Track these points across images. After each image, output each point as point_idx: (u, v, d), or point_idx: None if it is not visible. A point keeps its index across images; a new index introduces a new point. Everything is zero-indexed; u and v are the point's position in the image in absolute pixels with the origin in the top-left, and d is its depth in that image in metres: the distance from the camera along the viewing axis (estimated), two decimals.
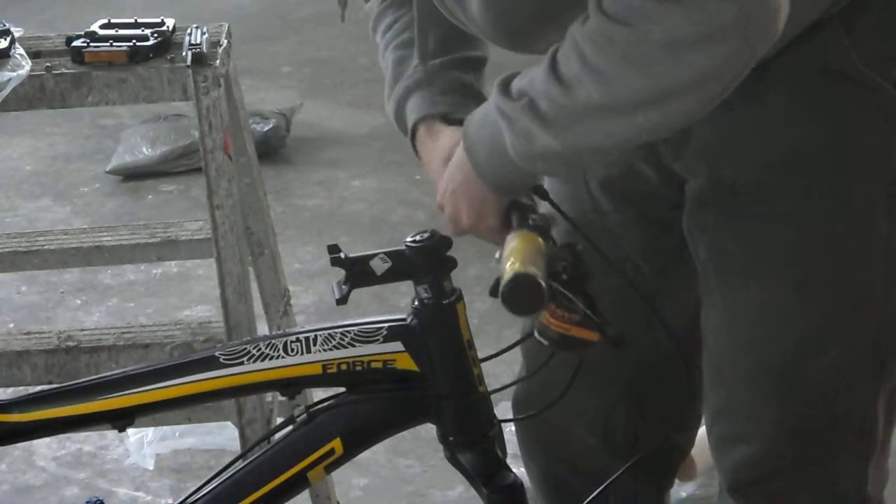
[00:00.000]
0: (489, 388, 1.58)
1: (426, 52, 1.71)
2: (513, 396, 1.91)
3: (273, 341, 1.56)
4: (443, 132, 1.67)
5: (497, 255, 1.51)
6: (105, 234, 2.65)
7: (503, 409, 1.83)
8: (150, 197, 4.54)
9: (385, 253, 1.54)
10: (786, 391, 1.69)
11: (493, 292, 1.48)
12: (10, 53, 2.06)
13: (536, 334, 1.46)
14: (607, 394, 1.86)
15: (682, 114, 1.44)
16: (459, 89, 1.71)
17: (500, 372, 1.79)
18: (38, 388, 1.94)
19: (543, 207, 1.60)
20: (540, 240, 1.46)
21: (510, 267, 1.42)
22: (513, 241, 1.47)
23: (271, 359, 1.55)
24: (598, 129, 1.44)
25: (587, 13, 1.43)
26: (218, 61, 2.24)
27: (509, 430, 2.94)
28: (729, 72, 1.40)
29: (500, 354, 1.63)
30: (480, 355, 1.58)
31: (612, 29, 1.39)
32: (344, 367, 1.54)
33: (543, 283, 1.41)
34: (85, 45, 2.26)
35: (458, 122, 1.64)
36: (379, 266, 1.53)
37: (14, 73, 2.04)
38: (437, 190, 1.64)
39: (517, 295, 1.41)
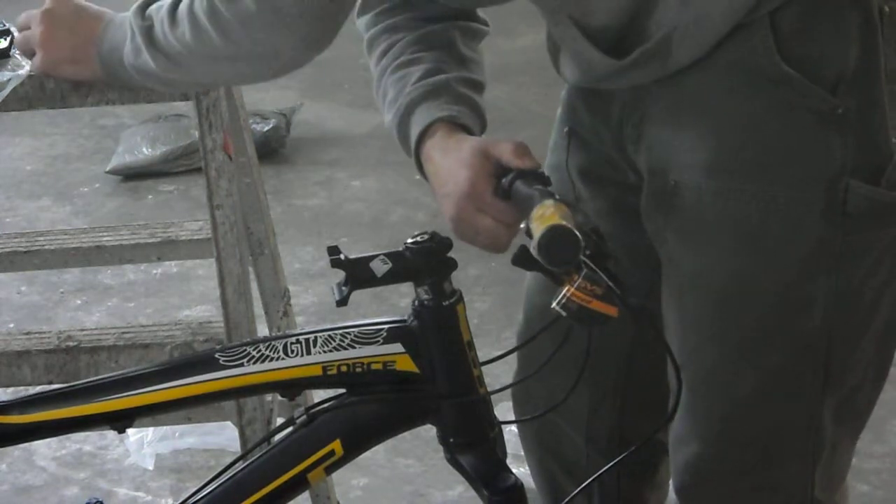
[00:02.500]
0: (489, 390, 1.58)
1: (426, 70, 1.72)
2: (513, 395, 1.91)
3: (273, 343, 1.56)
4: (465, 140, 1.64)
5: (523, 226, 1.50)
6: (105, 234, 2.65)
7: (503, 410, 1.83)
8: (150, 197, 4.55)
9: (385, 254, 1.53)
10: (724, 397, 1.69)
11: (517, 260, 1.49)
12: (10, 53, 2.05)
13: (555, 305, 1.45)
14: (592, 392, 1.86)
15: (248, 76, 1.75)
16: (465, 102, 1.69)
17: (501, 373, 1.79)
18: (38, 388, 1.94)
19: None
20: (567, 210, 1.47)
21: (548, 220, 1.43)
22: (543, 208, 1.46)
23: (271, 360, 1.55)
24: (185, 66, 1.74)
25: None
26: None
27: (509, 431, 2.94)
28: (283, 55, 1.66)
29: (502, 357, 1.63)
30: (481, 356, 1.58)
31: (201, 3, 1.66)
32: (344, 368, 1.54)
33: (580, 236, 1.41)
34: None
35: (468, 130, 1.65)
36: (379, 267, 1.53)
37: (14, 73, 2.04)
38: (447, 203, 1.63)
39: (554, 245, 1.41)
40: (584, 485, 1.71)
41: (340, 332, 1.55)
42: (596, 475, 1.64)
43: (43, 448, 3.14)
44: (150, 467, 3.06)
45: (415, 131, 1.68)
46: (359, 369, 1.54)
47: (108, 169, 4.66)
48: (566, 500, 1.70)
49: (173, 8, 1.72)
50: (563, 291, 1.45)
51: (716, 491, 1.75)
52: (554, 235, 1.41)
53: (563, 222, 1.42)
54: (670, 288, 1.71)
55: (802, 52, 1.58)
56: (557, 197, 1.50)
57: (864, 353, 1.69)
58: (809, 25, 1.58)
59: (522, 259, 1.49)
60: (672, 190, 1.64)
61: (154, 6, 1.76)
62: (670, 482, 2.18)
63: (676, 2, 1.58)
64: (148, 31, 1.75)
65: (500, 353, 1.63)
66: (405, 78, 1.72)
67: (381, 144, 4.74)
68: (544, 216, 1.44)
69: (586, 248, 1.43)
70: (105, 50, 1.83)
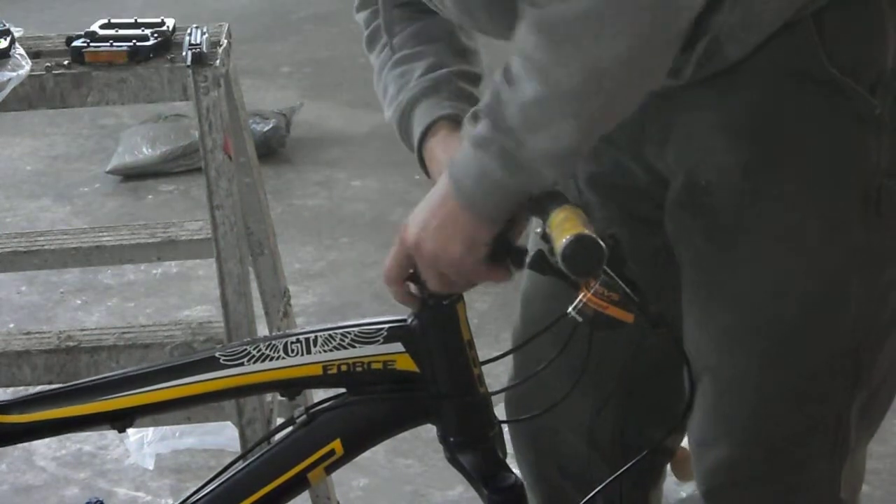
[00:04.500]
0: (489, 390, 1.58)
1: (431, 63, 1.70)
2: (505, 397, 1.89)
3: (273, 342, 1.56)
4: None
5: (538, 229, 1.49)
6: (105, 234, 2.65)
7: (503, 409, 1.83)
8: (150, 197, 4.55)
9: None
10: (756, 398, 1.67)
11: (532, 265, 1.48)
12: (10, 53, 2.06)
13: (571, 311, 1.45)
14: (595, 396, 1.85)
15: (624, 95, 1.45)
16: (466, 97, 1.69)
17: (501, 373, 1.79)
18: (38, 388, 1.94)
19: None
20: (584, 215, 1.46)
21: (570, 228, 1.41)
22: (562, 213, 1.45)
23: (271, 359, 1.54)
24: (555, 129, 1.43)
25: None
26: (218, 61, 2.24)
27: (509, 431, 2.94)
28: (657, 40, 1.41)
29: (502, 357, 1.63)
30: (481, 356, 1.57)
31: (536, 14, 1.40)
32: (344, 367, 1.54)
33: (604, 246, 1.41)
34: (85, 45, 2.26)
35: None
36: None
37: (14, 73, 2.05)
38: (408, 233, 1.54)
39: (579, 254, 1.40)
40: (591, 494, 1.69)
41: (340, 331, 1.55)
42: (607, 481, 1.64)
43: (43, 448, 3.14)
44: (150, 467, 3.06)
45: (418, 129, 1.67)
46: (359, 369, 1.54)
47: (108, 169, 4.66)
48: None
49: (505, 75, 1.44)
50: (580, 297, 1.44)
51: (745, 494, 1.73)
52: (579, 245, 1.40)
53: (587, 231, 1.41)
54: (695, 289, 1.69)
55: (847, 53, 1.56)
56: (570, 201, 1.48)
57: (889, 352, 1.68)
58: (853, 26, 1.57)
59: (538, 263, 1.48)
60: (703, 190, 1.62)
61: (481, 104, 1.50)
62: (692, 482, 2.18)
63: (728, 4, 1.54)
64: (497, 125, 1.45)
65: (499, 353, 1.63)
66: (406, 73, 1.71)
67: (381, 144, 4.74)
68: (565, 223, 1.43)
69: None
70: (475, 197, 1.49)
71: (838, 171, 1.59)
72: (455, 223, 1.50)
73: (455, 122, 1.66)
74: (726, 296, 1.65)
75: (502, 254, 1.52)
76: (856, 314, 1.63)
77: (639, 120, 1.61)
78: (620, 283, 1.43)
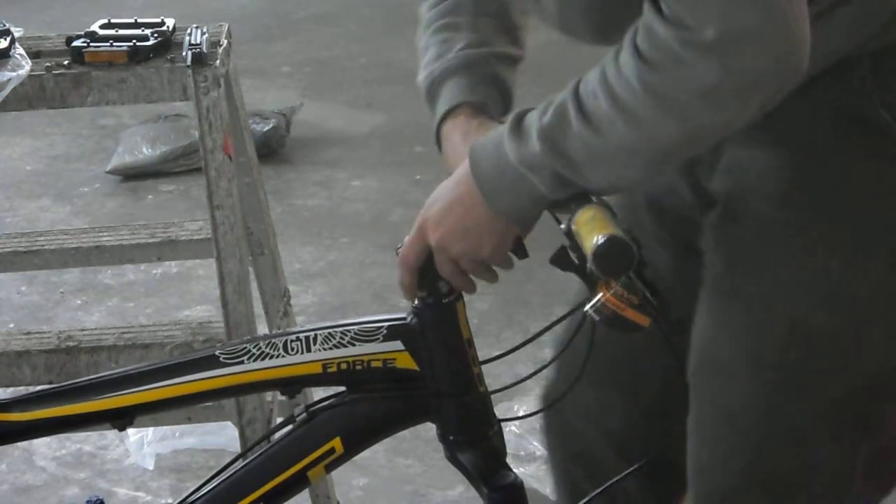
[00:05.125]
0: (490, 389, 1.58)
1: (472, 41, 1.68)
2: (541, 392, 1.88)
3: (273, 340, 1.56)
4: (487, 125, 1.61)
5: (563, 225, 1.49)
6: (105, 234, 2.65)
7: (503, 408, 1.83)
8: (150, 197, 4.55)
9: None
10: (759, 432, 1.64)
11: (555, 261, 1.48)
12: (10, 53, 2.06)
13: (589, 310, 1.45)
14: (630, 409, 1.82)
15: (706, 145, 1.49)
16: (496, 83, 1.67)
17: (501, 372, 1.79)
18: (38, 388, 1.94)
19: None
20: (612, 214, 1.46)
21: (600, 228, 1.42)
22: (589, 211, 1.45)
23: (271, 358, 1.55)
24: (628, 167, 1.45)
25: (619, 46, 1.41)
26: (218, 61, 2.24)
27: (509, 430, 2.95)
28: (758, 113, 1.43)
29: (502, 357, 1.63)
30: (481, 356, 1.58)
31: (648, 74, 1.38)
32: (344, 366, 1.54)
33: (635, 248, 1.41)
34: (85, 45, 2.26)
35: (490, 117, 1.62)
36: None
37: (14, 73, 2.05)
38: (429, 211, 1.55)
39: (610, 255, 1.40)
40: (602, 488, 1.69)
41: (340, 329, 1.55)
42: (611, 481, 1.65)
43: (43, 448, 3.14)
44: (150, 467, 3.06)
45: (441, 107, 1.66)
46: (359, 367, 1.54)
47: (108, 169, 4.66)
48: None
49: (580, 111, 1.43)
50: (599, 297, 1.44)
51: None
52: (611, 245, 1.40)
53: (619, 232, 1.41)
54: (711, 314, 1.67)
55: None
56: (594, 199, 1.48)
57: None
58: None
59: (561, 260, 1.48)
60: (735, 215, 1.61)
61: (533, 121, 1.47)
62: None
63: None
64: (558, 154, 1.44)
65: (499, 352, 1.63)
66: (448, 42, 1.69)
67: (381, 144, 4.74)
68: (593, 222, 1.43)
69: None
70: (510, 211, 1.51)
71: (873, 216, 1.58)
72: (490, 230, 1.52)
73: (478, 108, 1.64)
74: (740, 324, 1.63)
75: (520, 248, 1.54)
76: (870, 359, 1.61)
77: None
78: (641, 286, 1.43)
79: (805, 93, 1.52)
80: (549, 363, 1.59)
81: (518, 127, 1.48)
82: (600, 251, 1.40)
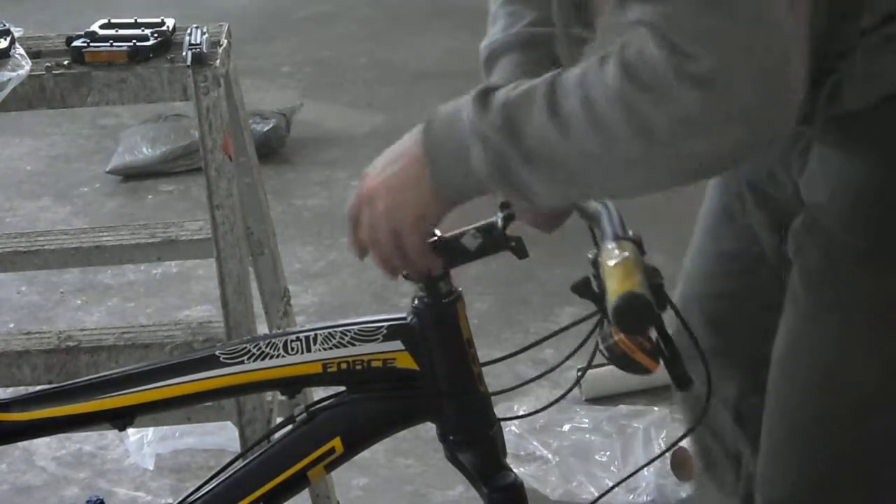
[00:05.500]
0: (489, 389, 1.58)
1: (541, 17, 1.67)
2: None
3: (273, 340, 1.56)
4: None
5: (591, 255, 1.47)
6: (105, 234, 2.65)
7: (503, 408, 1.83)
8: (150, 197, 4.55)
9: (476, 228, 1.53)
10: (822, 454, 1.66)
11: (577, 289, 1.46)
12: (10, 53, 2.06)
13: (600, 343, 1.45)
14: (740, 380, 1.84)
15: (668, 178, 1.41)
16: (552, 64, 1.63)
17: (501, 373, 1.79)
18: (38, 388, 1.94)
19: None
20: (638, 254, 1.45)
21: (624, 280, 1.40)
22: (617, 251, 1.43)
23: (271, 358, 1.55)
24: (573, 175, 1.40)
25: (605, 53, 1.38)
26: (218, 61, 2.24)
27: (509, 430, 2.94)
28: (727, 158, 1.39)
29: (503, 359, 1.63)
30: (481, 356, 1.58)
31: (632, 90, 1.35)
32: (344, 365, 1.54)
33: (655, 307, 1.39)
34: (85, 45, 2.26)
35: None
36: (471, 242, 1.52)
37: (14, 73, 2.05)
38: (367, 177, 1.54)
39: (630, 313, 1.39)
40: (610, 487, 1.71)
41: (340, 329, 1.55)
42: (625, 477, 1.69)
43: (43, 448, 3.14)
44: (150, 467, 3.06)
45: (492, 82, 1.57)
46: (359, 367, 1.54)
47: (108, 169, 4.66)
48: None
49: (550, 105, 1.39)
50: (612, 335, 1.43)
51: None
52: (632, 307, 1.38)
53: (642, 288, 1.38)
54: (787, 325, 1.68)
55: None
56: (621, 234, 1.45)
57: None
58: None
59: (582, 289, 1.47)
60: (808, 228, 1.62)
61: (500, 96, 1.43)
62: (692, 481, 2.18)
63: (856, 52, 1.51)
64: (514, 136, 1.40)
65: (499, 353, 1.63)
66: (515, 15, 1.68)
67: (381, 144, 4.71)
68: (620, 269, 1.41)
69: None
70: (443, 173, 1.48)
71: None
72: (417, 193, 1.48)
73: None
74: (810, 342, 1.64)
75: (444, 248, 1.53)
76: None
77: (792, 133, 1.58)
78: (656, 334, 1.43)
79: (876, 113, 1.51)
80: (553, 369, 1.60)
81: (484, 97, 1.44)
82: (621, 309, 1.38)
